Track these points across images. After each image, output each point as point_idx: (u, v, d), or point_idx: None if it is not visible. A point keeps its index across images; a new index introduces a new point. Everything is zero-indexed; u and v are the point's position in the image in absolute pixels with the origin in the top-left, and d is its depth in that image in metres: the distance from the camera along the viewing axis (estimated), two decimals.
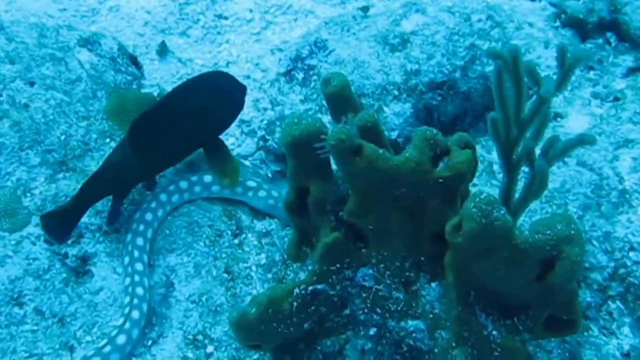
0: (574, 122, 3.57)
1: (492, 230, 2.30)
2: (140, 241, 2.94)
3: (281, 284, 2.64)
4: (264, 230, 3.08)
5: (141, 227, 2.96)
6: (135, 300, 2.78)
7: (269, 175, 3.59)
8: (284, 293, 2.52)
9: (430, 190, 2.48)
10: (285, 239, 3.00)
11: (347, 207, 2.55)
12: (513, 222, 2.35)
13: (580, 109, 3.62)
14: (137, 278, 2.83)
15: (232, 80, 3.18)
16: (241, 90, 3.18)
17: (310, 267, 2.57)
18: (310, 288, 2.54)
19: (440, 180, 2.46)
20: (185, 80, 3.20)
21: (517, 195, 2.72)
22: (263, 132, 3.72)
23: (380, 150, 2.42)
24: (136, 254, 2.90)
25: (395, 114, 3.57)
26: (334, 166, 2.63)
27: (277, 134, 3.64)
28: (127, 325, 2.73)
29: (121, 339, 2.71)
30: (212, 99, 3.08)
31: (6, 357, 2.77)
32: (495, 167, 3.43)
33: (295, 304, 2.52)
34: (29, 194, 3.04)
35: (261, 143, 3.73)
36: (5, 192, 2.99)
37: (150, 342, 2.84)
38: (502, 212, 2.29)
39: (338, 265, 2.56)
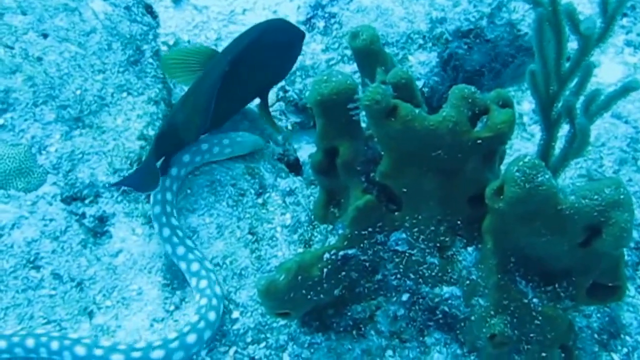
0: (607, 72, 3.40)
1: (536, 195, 2.16)
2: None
3: (310, 250, 2.51)
4: (287, 189, 2.93)
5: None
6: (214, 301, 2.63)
7: (289, 127, 3.42)
8: (314, 259, 2.38)
9: (468, 152, 2.34)
10: (311, 198, 2.85)
11: (379, 168, 2.40)
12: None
13: (613, 58, 3.46)
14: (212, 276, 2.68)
15: (292, 27, 3.14)
16: (300, 36, 3.14)
17: (340, 231, 2.43)
18: (340, 253, 2.42)
19: (479, 141, 2.31)
20: (245, 30, 3.09)
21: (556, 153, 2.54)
22: (283, 83, 3.57)
23: (417, 110, 2.25)
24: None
25: (420, 64, 3.41)
26: (363, 125, 2.47)
27: (297, 84, 3.47)
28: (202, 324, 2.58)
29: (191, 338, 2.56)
30: (278, 48, 3.03)
31: (24, 323, 2.63)
32: (526, 119, 3.26)
33: (325, 270, 2.40)
34: (44, 152, 2.90)
35: (281, 94, 3.60)
36: (19, 150, 2.84)
37: (172, 308, 2.71)
38: (547, 176, 2.14)
39: (370, 230, 2.43)
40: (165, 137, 2.83)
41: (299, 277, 2.41)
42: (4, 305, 2.69)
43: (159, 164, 2.80)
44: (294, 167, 3.13)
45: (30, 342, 2.55)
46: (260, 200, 2.92)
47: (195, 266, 2.66)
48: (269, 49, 2.99)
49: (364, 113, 2.37)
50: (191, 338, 2.53)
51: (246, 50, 2.92)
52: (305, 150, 3.23)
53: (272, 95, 3.43)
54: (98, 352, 2.53)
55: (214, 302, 2.59)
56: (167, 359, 2.51)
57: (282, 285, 2.40)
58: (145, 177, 2.74)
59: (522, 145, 3.18)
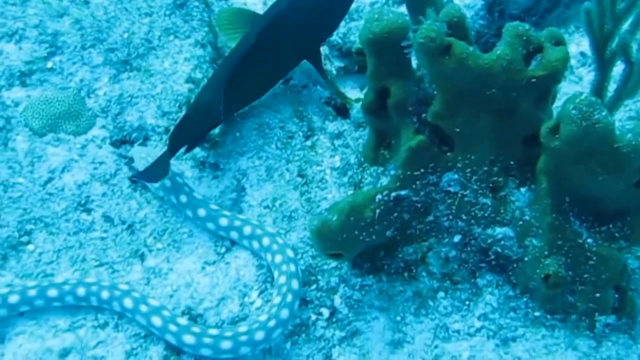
0: None
1: (593, 133, 2.20)
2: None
3: (362, 191, 2.56)
4: (336, 132, 2.99)
5: None
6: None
7: (334, 71, 3.45)
8: (366, 200, 2.44)
9: (522, 91, 2.38)
10: (360, 140, 2.91)
11: (432, 108, 2.45)
12: None
13: None
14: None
15: None
16: None
17: (392, 172, 2.49)
18: (393, 194, 2.47)
19: (533, 80, 2.35)
20: None
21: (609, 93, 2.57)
22: None
23: (470, 48, 2.28)
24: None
25: (465, 7, 3.40)
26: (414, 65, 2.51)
27: (340, 28, 3.49)
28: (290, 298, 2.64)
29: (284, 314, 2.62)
30: (318, 6, 2.98)
31: (76, 265, 2.71)
32: (573, 62, 3.28)
33: (377, 211, 2.46)
34: (92, 95, 2.98)
35: None
36: (68, 94, 2.91)
37: (223, 250, 2.77)
38: (603, 113, 2.18)
39: (422, 170, 2.48)
40: (188, 123, 2.85)
41: (351, 218, 2.46)
42: (56, 248, 2.78)
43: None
44: (341, 110, 3.17)
45: (81, 291, 2.62)
46: (308, 143, 2.97)
47: (278, 258, 2.72)
48: (309, 10, 2.97)
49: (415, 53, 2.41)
50: (259, 335, 2.58)
51: (281, 14, 2.90)
52: (350, 95, 3.27)
53: None
54: (143, 308, 2.61)
55: (289, 298, 2.64)
56: (234, 351, 2.58)
57: (334, 226, 2.45)
58: (157, 169, 2.78)
59: (570, 89, 3.19)
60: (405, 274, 2.69)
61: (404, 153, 2.49)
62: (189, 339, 2.52)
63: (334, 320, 2.68)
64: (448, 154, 2.54)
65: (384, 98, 2.61)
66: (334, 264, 2.72)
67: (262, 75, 2.93)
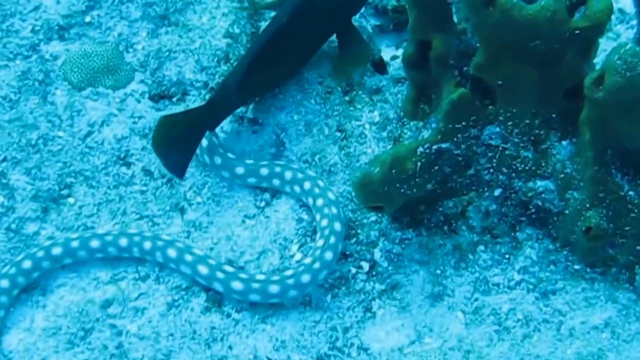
0: None
1: (638, 84, 2.22)
2: None
3: (404, 143, 2.61)
4: (374, 87, 3.04)
5: None
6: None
7: (370, 29, 3.48)
8: (408, 152, 2.49)
9: (565, 42, 2.42)
10: (399, 96, 2.95)
11: (474, 61, 2.50)
12: None
13: None
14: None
15: None
16: None
17: (434, 125, 2.53)
18: (434, 147, 2.52)
19: (577, 32, 2.38)
20: None
21: None
22: None
23: None
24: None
25: None
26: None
27: None
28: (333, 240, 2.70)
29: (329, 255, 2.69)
30: None
31: (116, 218, 2.78)
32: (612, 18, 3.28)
33: (419, 163, 2.51)
34: (131, 50, 3.05)
35: None
36: (107, 48, 2.98)
37: (263, 204, 2.83)
38: None
39: (464, 123, 2.53)
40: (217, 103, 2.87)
41: (393, 170, 2.51)
42: (96, 201, 2.85)
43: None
44: (379, 66, 3.21)
45: (123, 242, 2.69)
46: (347, 98, 3.02)
47: (319, 201, 2.78)
48: None
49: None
50: (305, 278, 2.66)
51: None
52: (385, 53, 3.31)
53: None
54: (188, 257, 2.68)
55: (332, 240, 2.70)
56: (282, 295, 2.67)
57: (376, 178, 2.51)
58: (178, 160, 2.82)
59: (609, 45, 3.21)
60: (445, 228, 2.74)
61: (445, 106, 2.53)
62: (237, 285, 2.57)
63: (373, 273, 2.74)
64: (490, 107, 2.58)
65: (425, 51, 2.64)
66: (373, 217, 2.77)
67: (293, 53, 2.95)
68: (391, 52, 3.22)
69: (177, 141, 2.77)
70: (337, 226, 2.66)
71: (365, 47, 3.05)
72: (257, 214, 2.83)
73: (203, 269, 2.62)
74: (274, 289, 2.58)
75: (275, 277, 2.59)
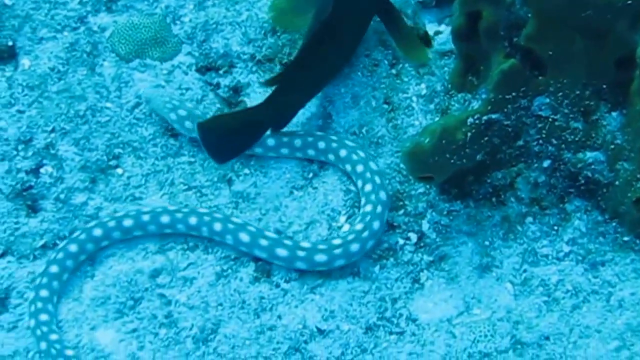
0: None
1: None
2: None
3: (454, 114, 2.66)
4: None
5: None
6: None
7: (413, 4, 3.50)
8: (458, 122, 2.54)
9: (617, 12, 2.47)
10: (445, 69, 2.99)
11: (525, 31, 2.55)
12: None
13: None
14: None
15: None
16: None
17: (484, 96, 2.56)
18: (484, 117, 2.56)
19: (629, 2, 2.40)
20: None
21: None
22: None
23: None
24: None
25: None
26: None
27: None
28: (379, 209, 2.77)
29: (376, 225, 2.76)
30: None
31: (164, 189, 2.84)
32: None
33: (469, 134, 2.56)
34: (178, 22, 3.11)
35: None
36: (154, 20, 3.04)
37: (311, 175, 2.88)
38: None
39: (514, 94, 2.57)
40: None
41: (443, 141, 2.56)
42: (144, 171, 2.92)
43: None
44: (424, 40, 3.25)
45: (193, 220, 2.75)
46: (394, 71, 3.06)
47: (359, 168, 2.84)
48: None
49: None
50: (354, 247, 2.71)
51: None
52: (428, 29, 3.34)
53: None
54: (263, 242, 2.73)
55: (379, 209, 2.76)
56: (329, 264, 2.73)
57: (427, 148, 2.56)
58: (226, 151, 2.84)
59: None
60: (494, 199, 2.79)
61: (496, 76, 2.57)
62: (281, 252, 2.67)
63: (421, 244, 2.79)
64: (540, 77, 2.61)
65: (474, 22, 2.67)
66: (421, 189, 2.82)
67: (342, 42, 2.97)
68: (434, 28, 3.26)
69: (230, 135, 2.80)
70: (383, 195, 2.72)
71: (410, 32, 3.11)
72: (305, 185, 2.88)
73: (281, 251, 2.70)
74: (320, 257, 2.68)
75: (322, 246, 2.69)
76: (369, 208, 2.73)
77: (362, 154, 2.82)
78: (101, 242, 2.74)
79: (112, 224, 2.72)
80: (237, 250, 2.76)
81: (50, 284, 2.66)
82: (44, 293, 2.65)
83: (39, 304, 2.63)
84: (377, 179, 2.73)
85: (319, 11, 2.89)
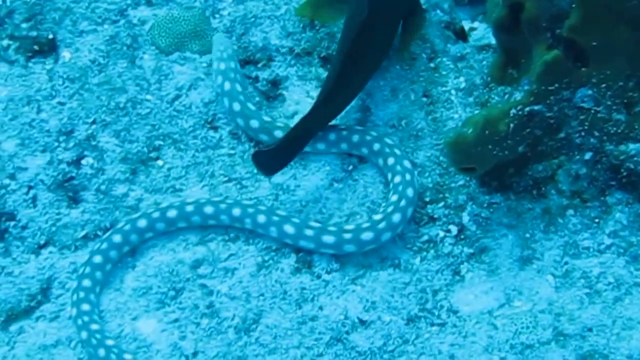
0: None
1: None
2: None
3: (497, 105, 2.67)
4: (458, 54, 3.11)
5: None
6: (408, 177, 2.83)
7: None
8: (501, 114, 2.55)
9: None
10: (484, 62, 3.00)
11: (568, 22, 2.55)
12: None
13: None
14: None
15: None
16: None
17: (526, 88, 2.57)
18: (527, 109, 2.58)
19: None
20: None
21: None
22: None
23: None
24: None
25: None
26: None
27: None
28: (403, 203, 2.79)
29: (396, 217, 2.77)
30: None
31: (204, 180, 2.86)
32: None
33: (511, 125, 2.57)
34: (217, 15, 3.14)
35: None
36: (193, 13, 3.06)
37: (351, 167, 2.89)
38: None
39: (556, 85, 2.59)
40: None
41: (486, 131, 2.58)
42: (184, 163, 2.94)
43: None
44: (460, 35, 3.27)
45: (236, 211, 2.77)
46: (432, 65, 3.08)
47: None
48: None
49: None
50: (396, 217, 2.74)
51: None
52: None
53: None
54: (308, 232, 2.74)
55: (408, 177, 2.78)
56: (376, 242, 2.75)
57: (470, 139, 2.57)
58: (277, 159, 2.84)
59: None
60: (534, 192, 2.80)
61: (539, 67, 2.58)
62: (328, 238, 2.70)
63: (462, 237, 2.80)
64: (582, 69, 2.62)
65: (516, 14, 2.68)
66: (461, 182, 2.84)
67: (379, 43, 2.98)
68: (467, 25, 3.28)
69: (281, 152, 2.81)
70: (410, 192, 2.78)
71: (422, 16, 3.11)
72: (344, 178, 2.89)
73: (328, 238, 2.72)
74: (367, 235, 2.71)
75: (366, 225, 2.74)
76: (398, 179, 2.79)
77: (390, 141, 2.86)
78: (145, 234, 2.74)
79: (156, 215, 2.72)
80: (281, 243, 2.76)
81: (93, 274, 2.67)
82: (86, 283, 2.67)
83: (81, 294, 2.65)
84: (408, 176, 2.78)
85: (354, 13, 2.88)
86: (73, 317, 2.65)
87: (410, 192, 2.75)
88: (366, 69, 2.90)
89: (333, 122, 2.93)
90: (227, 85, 2.91)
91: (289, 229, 2.72)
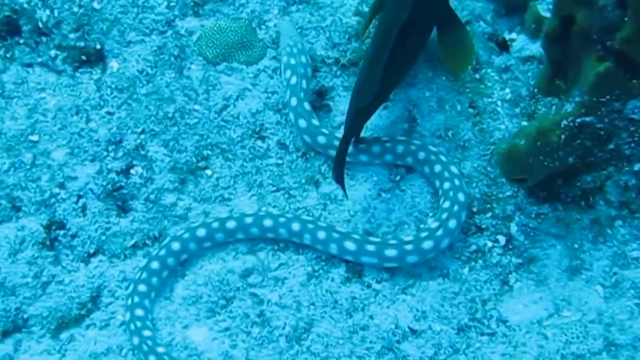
0: None
1: None
2: None
3: (548, 116, 2.70)
4: (503, 66, 3.13)
5: None
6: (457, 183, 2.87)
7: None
8: (552, 125, 2.58)
9: None
10: (529, 74, 3.02)
11: (621, 34, 2.58)
12: None
13: None
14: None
15: None
16: None
17: (577, 99, 2.59)
18: (578, 120, 2.60)
19: None
20: None
21: None
22: None
23: None
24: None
25: None
26: None
27: None
28: (456, 208, 2.82)
29: (452, 223, 2.80)
30: None
31: (253, 190, 2.89)
32: None
33: (562, 136, 2.60)
34: (263, 26, 3.16)
35: None
36: (240, 24, 3.09)
37: (399, 178, 2.93)
38: None
39: (608, 97, 2.62)
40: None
41: (538, 142, 2.61)
42: (233, 173, 2.97)
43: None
44: (503, 46, 3.29)
45: (295, 226, 2.81)
46: (477, 76, 3.11)
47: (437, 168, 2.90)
48: None
49: None
50: (452, 223, 2.79)
51: None
52: None
53: None
54: (370, 247, 2.77)
55: (457, 182, 2.84)
56: (436, 249, 2.79)
57: (522, 150, 2.60)
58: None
59: None
60: (582, 203, 2.82)
61: (591, 78, 2.61)
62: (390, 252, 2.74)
63: (510, 247, 2.82)
64: (634, 81, 2.64)
65: (567, 26, 2.71)
66: (509, 192, 2.86)
67: (413, 48, 3.00)
68: (506, 36, 3.29)
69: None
70: (461, 196, 2.80)
71: (466, 34, 3.08)
72: (392, 188, 2.92)
73: (391, 252, 2.75)
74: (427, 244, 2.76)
75: (424, 234, 2.79)
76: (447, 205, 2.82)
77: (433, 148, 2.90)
78: (204, 243, 2.76)
79: (215, 225, 2.75)
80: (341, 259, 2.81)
81: (149, 280, 2.70)
82: (142, 288, 2.69)
83: (136, 298, 2.67)
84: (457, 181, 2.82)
85: (391, 17, 2.90)
86: (126, 321, 2.67)
87: (461, 196, 2.78)
88: (400, 74, 2.95)
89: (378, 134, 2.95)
90: (293, 80, 2.99)
91: (349, 245, 2.71)
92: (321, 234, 2.76)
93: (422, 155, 2.90)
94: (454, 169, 2.86)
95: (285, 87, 3.01)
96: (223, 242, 2.82)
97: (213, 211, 2.90)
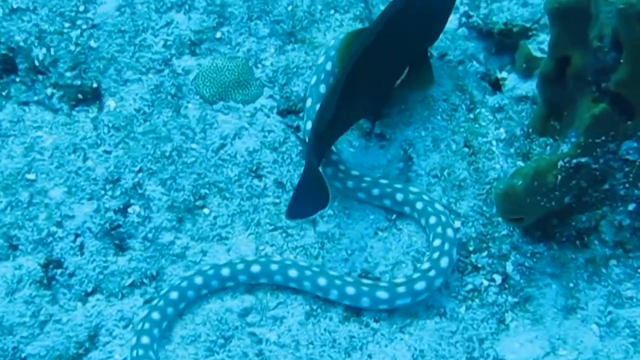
0: None
1: None
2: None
3: (544, 157, 2.75)
4: (496, 105, 3.17)
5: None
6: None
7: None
8: (549, 165, 2.63)
9: None
10: (523, 114, 3.06)
11: (616, 77, 2.63)
12: None
13: None
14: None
15: None
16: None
17: (573, 140, 2.64)
18: (574, 161, 2.63)
19: None
20: None
21: None
22: (466, 8, 3.65)
23: None
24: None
25: None
26: None
27: (481, 9, 3.57)
28: (447, 246, 2.85)
29: (444, 262, 2.83)
30: (426, 14, 3.07)
31: (250, 229, 2.91)
32: None
33: (559, 177, 2.64)
34: (260, 65, 3.19)
35: (464, 20, 3.65)
36: (237, 63, 3.12)
37: (394, 216, 2.96)
38: None
39: (603, 138, 2.65)
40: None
41: (535, 183, 2.65)
42: (230, 212, 2.98)
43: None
44: (496, 86, 3.34)
45: (293, 273, 2.83)
46: (471, 116, 3.15)
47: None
48: (416, 18, 3.06)
49: None
50: (444, 261, 2.82)
51: (387, 25, 2.95)
52: None
53: (454, 20, 3.54)
54: (382, 295, 2.79)
55: (443, 218, 2.87)
56: (430, 289, 2.82)
57: (519, 190, 2.64)
58: (312, 193, 2.88)
59: None
60: (577, 242, 2.85)
61: (587, 120, 2.66)
62: (382, 294, 2.75)
63: (506, 286, 2.86)
64: (628, 122, 2.69)
65: (562, 67, 2.76)
66: (504, 231, 2.90)
67: (372, 86, 3.03)
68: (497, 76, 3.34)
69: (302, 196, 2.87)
70: (450, 232, 2.84)
71: (429, 73, 3.13)
72: (389, 226, 2.94)
73: (382, 294, 2.78)
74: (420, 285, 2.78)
75: (417, 274, 2.81)
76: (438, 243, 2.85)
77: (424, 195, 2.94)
78: (201, 290, 2.78)
79: (211, 272, 2.77)
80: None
81: (151, 331, 2.70)
82: (145, 340, 2.69)
83: (140, 351, 2.67)
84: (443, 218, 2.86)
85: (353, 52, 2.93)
86: None
87: (450, 232, 2.81)
88: (360, 103, 2.96)
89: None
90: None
91: (350, 290, 2.77)
92: (322, 281, 2.80)
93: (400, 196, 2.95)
94: (438, 205, 2.91)
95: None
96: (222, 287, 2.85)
97: (211, 250, 2.92)
